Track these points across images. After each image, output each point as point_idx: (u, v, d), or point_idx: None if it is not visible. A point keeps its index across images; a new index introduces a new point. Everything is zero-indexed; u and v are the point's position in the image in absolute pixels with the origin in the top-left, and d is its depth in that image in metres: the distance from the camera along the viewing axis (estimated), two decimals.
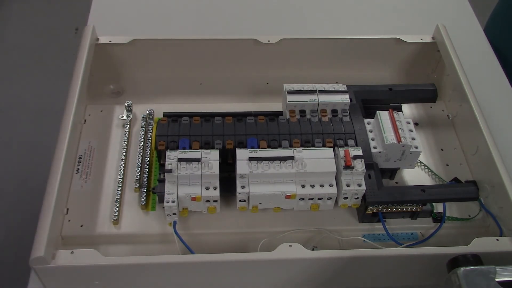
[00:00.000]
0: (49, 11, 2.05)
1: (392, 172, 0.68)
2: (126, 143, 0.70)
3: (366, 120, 0.67)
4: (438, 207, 0.65)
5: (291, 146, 0.64)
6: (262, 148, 0.63)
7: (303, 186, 0.61)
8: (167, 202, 0.59)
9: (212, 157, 0.61)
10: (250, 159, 0.60)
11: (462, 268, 0.50)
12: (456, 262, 0.53)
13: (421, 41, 0.80)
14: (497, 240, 0.58)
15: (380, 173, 0.64)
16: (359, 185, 0.61)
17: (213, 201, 0.61)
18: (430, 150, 0.73)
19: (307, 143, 0.64)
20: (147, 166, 0.67)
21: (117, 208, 0.63)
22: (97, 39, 0.76)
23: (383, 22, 0.98)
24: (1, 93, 1.74)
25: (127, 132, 0.71)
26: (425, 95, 0.74)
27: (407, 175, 0.70)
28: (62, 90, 0.77)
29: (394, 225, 0.64)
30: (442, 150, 0.73)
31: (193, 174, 0.59)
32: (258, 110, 0.69)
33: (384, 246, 0.60)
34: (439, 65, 0.80)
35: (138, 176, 0.66)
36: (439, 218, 0.64)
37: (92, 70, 0.75)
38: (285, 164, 0.60)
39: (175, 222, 0.61)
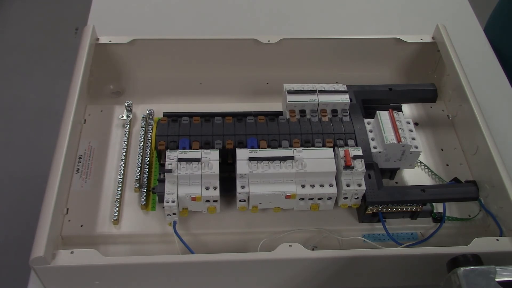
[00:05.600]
0: (49, 11, 2.05)
1: (392, 172, 0.68)
2: (126, 143, 0.70)
3: (366, 120, 0.67)
4: (438, 207, 0.65)
5: (291, 146, 0.64)
6: (262, 148, 0.63)
7: (303, 186, 0.61)
8: (167, 202, 0.59)
9: (212, 157, 0.61)
10: (250, 159, 0.60)
11: (462, 268, 0.50)
12: (456, 262, 0.53)
13: (421, 41, 0.80)
14: (497, 240, 0.58)
15: (380, 173, 0.64)
16: (359, 185, 0.61)
17: (213, 201, 0.61)
18: (430, 150, 0.73)
19: (307, 143, 0.64)
20: (147, 166, 0.67)
21: (117, 208, 0.63)
22: (97, 39, 0.76)
23: (383, 22, 0.98)
24: (1, 93, 1.74)
25: (127, 132, 0.71)
26: (425, 95, 0.74)
27: (407, 175, 0.70)
28: (62, 90, 0.77)
29: (394, 225, 0.64)
30: (442, 150, 0.73)
31: (193, 174, 0.59)
32: (258, 110, 0.69)
33: (384, 246, 0.60)
34: (439, 65, 0.80)
35: (138, 176, 0.66)
36: (439, 218, 0.64)
37: (92, 70, 0.75)
38: (285, 164, 0.60)
39: (175, 222, 0.61)
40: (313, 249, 0.61)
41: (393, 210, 0.62)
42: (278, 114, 0.69)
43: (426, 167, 0.71)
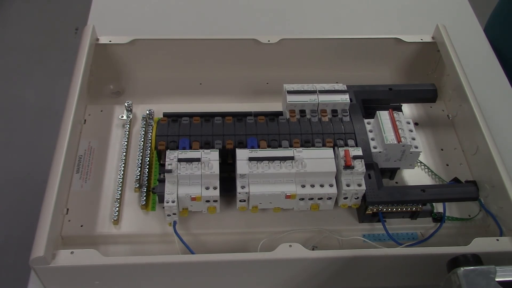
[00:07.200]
0: (49, 11, 2.05)
1: (392, 172, 0.68)
2: (126, 143, 0.70)
3: (366, 120, 0.67)
4: (438, 207, 0.65)
5: (291, 146, 0.64)
6: (262, 148, 0.63)
7: (303, 186, 0.61)
8: (167, 202, 0.59)
9: (212, 157, 0.61)
10: (250, 159, 0.60)
11: (462, 268, 0.50)
12: (456, 262, 0.53)
13: (421, 41, 0.80)
14: (497, 240, 0.58)
15: (380, 173, 0.64)
16: (359, 185, 0.61)
17: (213, 201, 0.61)
18: (430, 150, 0.73)
19: (307, 143, 0.64)
20: (147, 166, 0.67)
21: (117, 208, 0.63)
22: (97, 39, 0.76)
23: (383, 22, 0.98)
24: (1, 93, 1.74)
25: (127, 132, 0.71)
26: (425, 95, 0.74)
27: (407, 175, 0.70)
28: (62, 90, 0.77)
29: (394, 225, 0.64)
30: (442, 150, 0.73)
31: (193, 174, 0.59)
32: (258, 110, 0.69)
33: (384, 246, 0.60)
34: (439, 65, 0.80)
35: (138, 176, 0.66)
36: (439, 218, 0.64)
37: (92, 70, 0.75)
38: (285, 164, 0.60)
39: (175, 222, 0.61)
40: (313, 249, 0.61)
41: (393, 210, 0.62)
42: (278, 114, 0.69)
43: (426, 167, 0.71)
